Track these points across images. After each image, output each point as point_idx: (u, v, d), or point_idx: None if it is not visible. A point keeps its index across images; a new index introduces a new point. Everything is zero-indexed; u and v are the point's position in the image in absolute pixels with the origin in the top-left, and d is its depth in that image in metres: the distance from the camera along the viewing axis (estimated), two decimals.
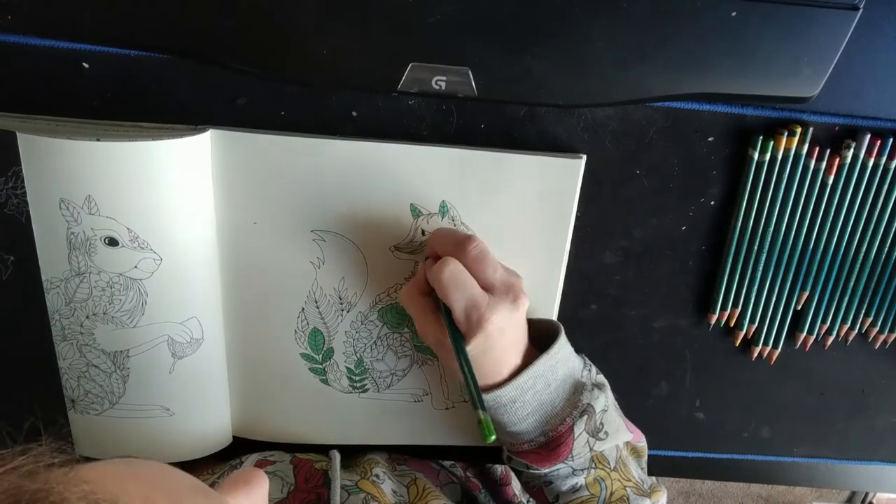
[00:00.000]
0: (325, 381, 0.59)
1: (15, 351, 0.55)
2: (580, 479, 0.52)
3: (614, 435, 0.52)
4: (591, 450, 0.51)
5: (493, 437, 0.45)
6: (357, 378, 0.59)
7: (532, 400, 0.50)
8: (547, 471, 0.51)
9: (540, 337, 0.52)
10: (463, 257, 0.48)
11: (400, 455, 0.61)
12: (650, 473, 0.59)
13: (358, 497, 0.51)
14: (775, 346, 0.62)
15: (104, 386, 0.56)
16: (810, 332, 0.61)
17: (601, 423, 0.51)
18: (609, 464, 0.52)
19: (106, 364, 0.55)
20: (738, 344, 0.61)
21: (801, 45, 0.47)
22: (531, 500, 0.56)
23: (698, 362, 0.63)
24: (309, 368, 0.58)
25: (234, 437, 0.62)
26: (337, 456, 0.55)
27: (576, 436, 0.50)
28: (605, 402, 0.52)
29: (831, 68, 0.48)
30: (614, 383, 0.63)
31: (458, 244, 0.49)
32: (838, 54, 0.47)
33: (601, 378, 0.55)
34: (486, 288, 0.48)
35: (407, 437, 0.62)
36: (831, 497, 1.86)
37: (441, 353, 0.52)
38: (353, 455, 0.60)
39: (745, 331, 0.61)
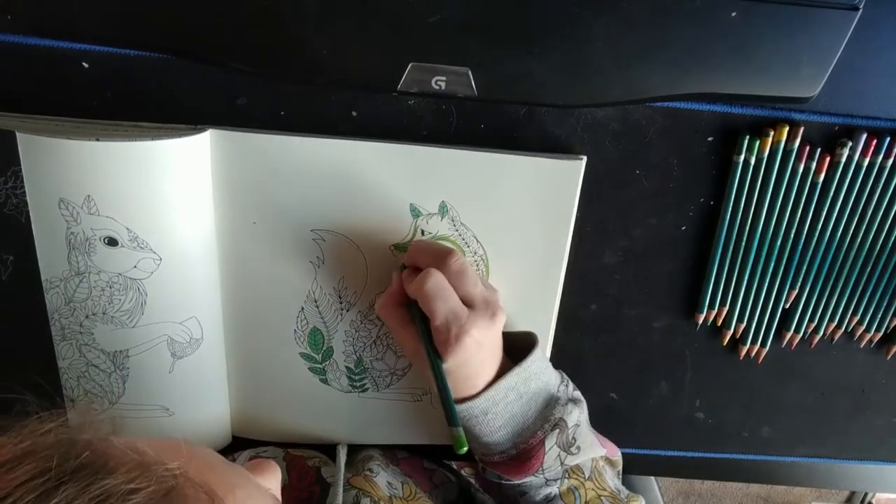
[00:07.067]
0: (325, 381, 0.59)
1: (15, 351, 0.55)
2: (553, 489, 0.51)
3: (587, 450, 0.52)
4: (562, 463, 0.51)
5: (465, 449, 0.47)
6: (356, 377, 0.59)
7: (504, 412, 0.50)
8: (519, 482, 0.51)
9: (519, 351, 0.52)
10: (444, 270, 0.48)
11: (394, 455, 0.61)
12: (648, 473, 0.59)
13: (349, 494, 0.51)
14: (763, 345, 0.62)
15: (104, 386, 0.56)
16: (797, 330, 0.61)
17: (573, 438, 0.51)
18: (583, 473, 0.52)
19: (105, 364, 0.55)
20: (725, 343, 0.61)
21: (801, 45, 0.47)
22: None
23: (698, 362, 0.63)
24: (308, 368, 0.58)
25: (233, 437, 0.62)
26: (342, 452, 0.56)
27: (547, 449, 0.50)
28: (578, 416, 0.52)
29: (831, 68, 0.48)
30: (614, 383, 0.63)
31: (438, 257, 0.49)
32: (838, 54, 0.47)
33: (577, 394, 0.55)
34: (467, 302, 0.48)
35: (406, 437, 0.62)
36: (830, 497, 1.86)
37: (417, 363, 0.52)
38: (351, 452, 0.60)
39: (732, 330, 0.61)
